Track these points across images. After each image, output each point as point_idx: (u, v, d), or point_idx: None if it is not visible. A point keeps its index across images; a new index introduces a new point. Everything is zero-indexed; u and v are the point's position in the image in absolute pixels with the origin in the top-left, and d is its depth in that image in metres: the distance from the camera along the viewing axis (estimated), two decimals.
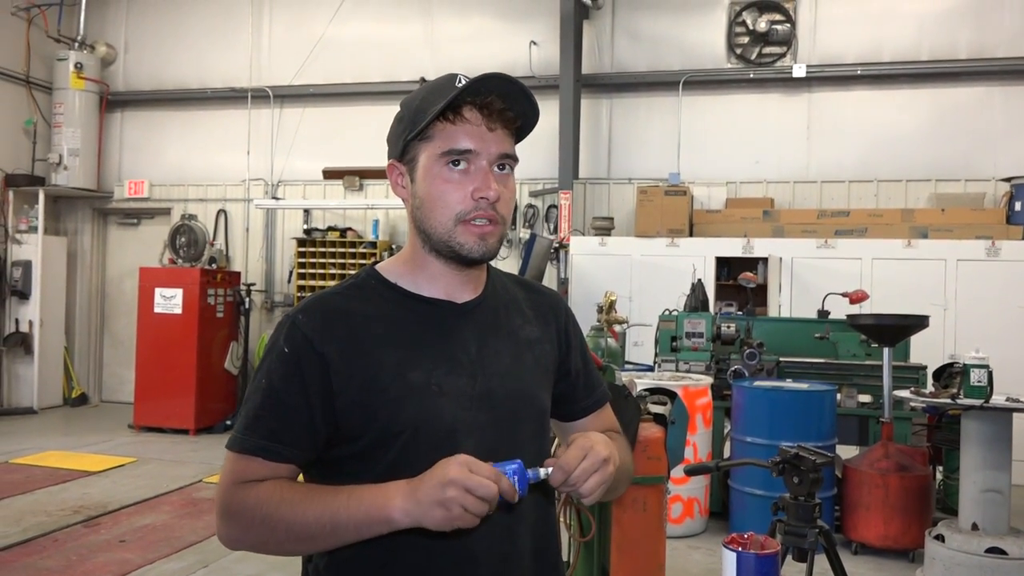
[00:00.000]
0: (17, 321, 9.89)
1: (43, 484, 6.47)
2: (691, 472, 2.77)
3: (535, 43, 9.16)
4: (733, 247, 7.72)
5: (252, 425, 1.30)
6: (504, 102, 1.32)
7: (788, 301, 7.50)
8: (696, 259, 7.56)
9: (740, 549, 0.92)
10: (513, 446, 1.36)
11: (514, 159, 1.36)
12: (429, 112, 1.30)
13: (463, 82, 1.31)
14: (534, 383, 1.44)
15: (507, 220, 1.37)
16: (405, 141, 1.35)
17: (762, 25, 8.62)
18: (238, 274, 9.63)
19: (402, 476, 1.26)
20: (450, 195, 1.32)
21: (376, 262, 1.46)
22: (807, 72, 8.47)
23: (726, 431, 5.92)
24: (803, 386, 5.48)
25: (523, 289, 1.53)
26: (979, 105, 8.19)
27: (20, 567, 4.71)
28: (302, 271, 9.41)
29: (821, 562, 2.49)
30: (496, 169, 1.34)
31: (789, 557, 2.26)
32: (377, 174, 9.50)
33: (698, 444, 5.46)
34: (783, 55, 8.68)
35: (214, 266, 9.28)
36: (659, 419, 3.62)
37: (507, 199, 1.35)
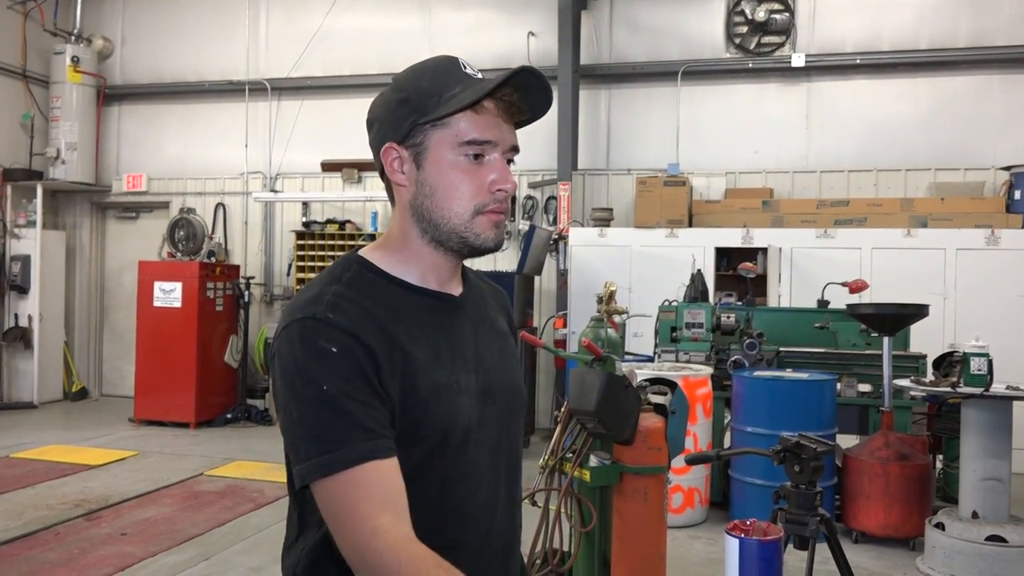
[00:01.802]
0: (16, 316, 9.89)
1: (44, 478, 6.48)
2: (692, 461, 2.78)
3: (533, 34, 9.13)
4: (732, 237, 7.71)
5: (341, 436, 1.14)
6: (520, 93, 1.29)
7: (788, 291, 7.50)
8: (695, 250, 7.55)
9: (743, 536, 0.92)
10: (510, 439, 1.40)
11: (518, 150, 1.34)
12: (445, 97, 1.25)
13: (467, 68, 1.29)
14: (517, 375, 1.46)
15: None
16: (413, 124, 1.27)
17: (761, 14, 8.60)
18: (237, 267, 9.63)
19: (422, 478, 1.24)
20: (466, 186, 1.27)
21: (357, 248, 1.38)
22: (806, 61, 8.45)
23: (726, 421, 5.93)
24: (803, 376, 5.48)
25: (482, 280, 1.52)
26: (978, 93, 8.18)
27: (22, 560, 4.72)
28: (301, 264, 9.40)
29: (822, 551, 2.50)
30: (505, 160, 1.32)
31: (790, 546, 2.26)
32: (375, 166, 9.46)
33: (698, 434, 5.47)
34: (782, 44, 8.65)
35: (213, 259, 9.27)
36: (660, 409, 3.62)
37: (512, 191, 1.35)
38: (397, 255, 1.34)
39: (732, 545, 0.92)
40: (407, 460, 1.22)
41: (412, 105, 1.27)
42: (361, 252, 1.36)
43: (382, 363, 1.20)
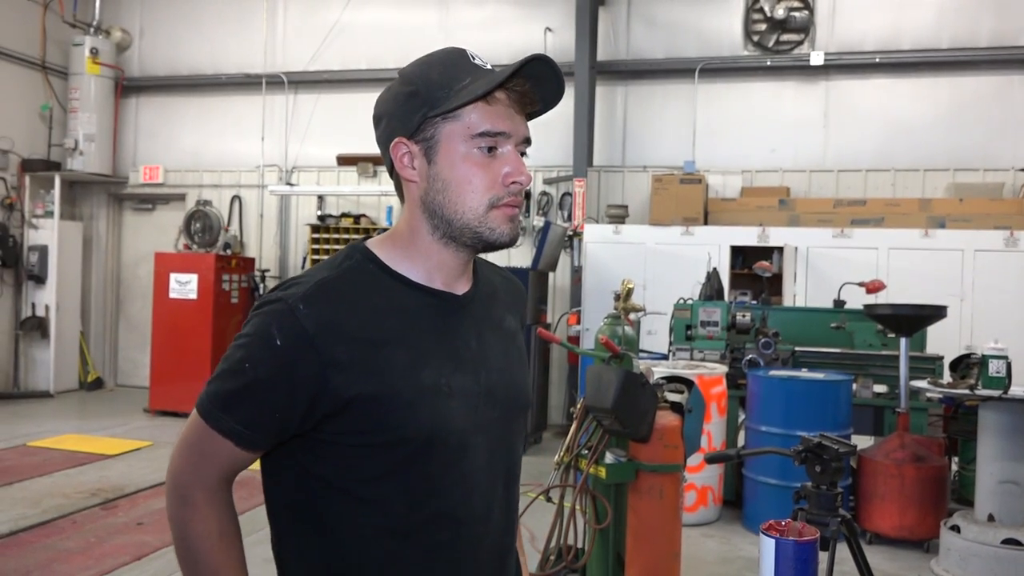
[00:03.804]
0: (34, 305, 9.97)
1: (61, 467, 6.54)
2: (713, 460, 2.78)
3: (550, 30, 9.12)
4: (748, 236, 7.68)
5: (229, 405, 1.21)
6: (531, 83, 1.25)
7: (803, 291, 7.47)
8: (711, 248, 7.53)
9: (779, 536, 0.92)
10: (509, 441, 1.37)
11: (531, 143, 1.30)
12: (456, 89, 1.22)
13: (476, 58, 1.26)
14: (522, 375, 1.43)
15: None
16: (424, 118, 1.24)
17: (780, 12, 8.55)
18: (252, 260, 9.67)
19: (404, 479, 1.23)
20: (480, 179, 1.24)
21: (365, 239, 1.36)
22: (825, 60, 8.40)
23: (740, 420, 5.92)
24: (819, 376, 5.46)
25: (498, 275, 1.47)
26: (999, 94, 8.11)
27: (40, 548, 4.76)
28: (316, 257, 9.42)
29: (841, 551, 2.49)
30: (518, 153, 1.28)
31: None
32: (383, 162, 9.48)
33: (712, 433, 5.46)
34: (801, 42, 8.61)
35: (229, 252, 9.31)
36: (676, 407, 3.62)
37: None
38: (403, 251, 1.31)
39: (768, 545, 0.91)
40: (389, 460, 1.22)
41: (422, 98, 1.24)
42: (368, 243, 1.34)
43: (345, 363, 1.18)
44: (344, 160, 9.81)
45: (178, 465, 1.27)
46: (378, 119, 1.31)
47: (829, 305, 6.50)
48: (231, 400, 1.21)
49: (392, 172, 1.31)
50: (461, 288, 1.33)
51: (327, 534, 1.25)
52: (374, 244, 1.33)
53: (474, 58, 1.26)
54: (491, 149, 1.23)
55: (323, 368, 1.17)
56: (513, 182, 1.25)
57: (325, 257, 8.27)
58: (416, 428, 1.21)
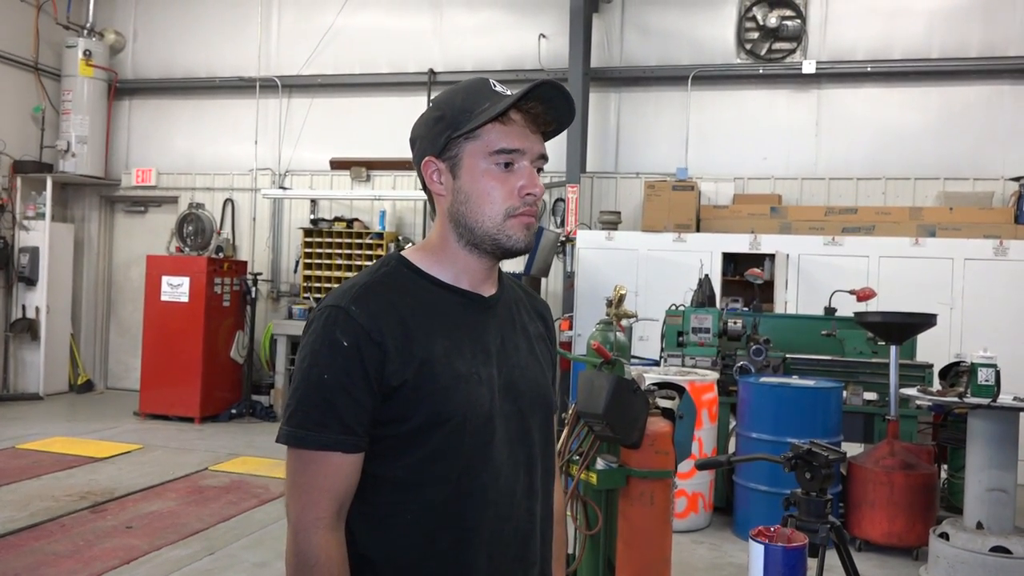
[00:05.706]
0: (24, 307, 9.92)
1: (50, 470, 6.51)
2: (703, 466, 2.79)
3: (544, 36, 9.15)
4: (740, 243, 7.71)
5: (323, 420, 1.31)
6: (544, 106, 1.39)
7: (795, 298, 7.50)
8: (703, 254, 7.56)
9: (768, 542, 0.93)
10: (530, 432, 1.47)
11: (547, 159, 1.44)
12: (476, 112, 1.36)
13: (497, 86, 1.40)
14: (544, 376, 1.54)
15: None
16: (448, 139, 1.39)
17: (772, 20, 8.60)
18: (245, 263, 9.65)
19: (443, 461, 1.35)
20: (498, 191, 1.38)
21: (400, 249, 1.50)
22: (817, 68, 8.45)
23: (731, 427, 5.94)
24: (809, 383, 5.48)
25: (522, 290, 1.63)
26: (989, 104, 8.17)
27: (28, 551, 4.74)
28: (308, 261, 9.42)
29: (830, 558, 2.50)
30: (535, 168, 1.43)
31: None
32: (384, 165, 9.50)
33: (703, 439, 5.47)
34: (793, 51, 8.66)
35: (221, 255, 9.29)
36: (667, 414, 3.63)
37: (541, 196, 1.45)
38: (434, 257, 1.45)
39: (757, 551, 0.92)
40: (426, 444, 1.34)
41: (447, 121, 1.39)
42: (402, 252, 1.48)
43: (393, 354, 1.32)
44: (337, 164, 9.81)
45: (295, 510, 1.33)
46: (412, 142, 1.47)
47: (820, 312, 6.53)
48: (323, 413, 1.31)
49: (426, 188, 1.46)
50: (487, 291, 1.48)
51: (375, 523, 1.36)
52: (408, 253, 1.48)
53: (495, 86, 1.41)
54: (508, 165, 1.38)
55: (383, 357, 1.32)
56: (528, 193, 1.39)
57: (317, 261, 8.24)
58: (452, 409, 1.34)
